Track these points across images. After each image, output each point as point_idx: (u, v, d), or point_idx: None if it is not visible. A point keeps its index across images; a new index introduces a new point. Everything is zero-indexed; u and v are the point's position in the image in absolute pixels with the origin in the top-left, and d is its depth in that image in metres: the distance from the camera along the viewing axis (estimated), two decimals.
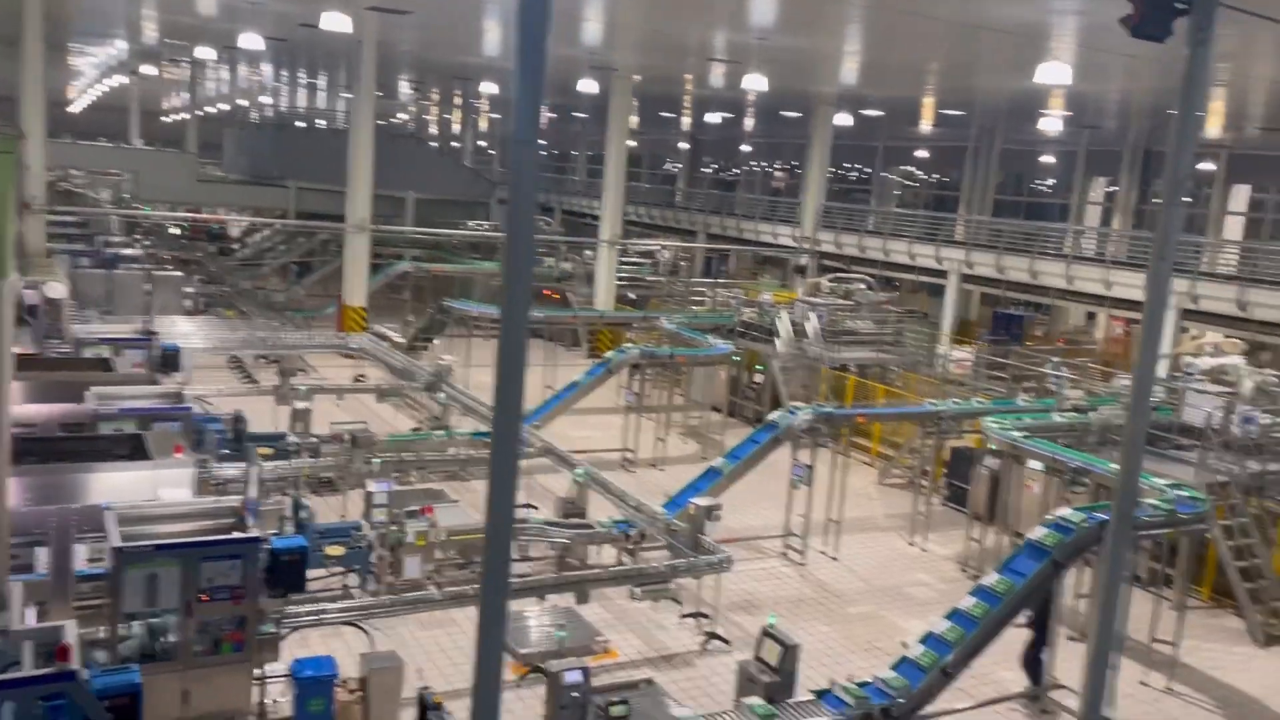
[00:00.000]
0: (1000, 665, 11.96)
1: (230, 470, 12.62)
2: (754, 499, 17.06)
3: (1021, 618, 11.17)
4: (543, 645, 11.74)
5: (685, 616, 12.94)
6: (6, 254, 7.14)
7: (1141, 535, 11.96)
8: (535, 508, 14.67)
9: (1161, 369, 19.51)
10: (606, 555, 12.90)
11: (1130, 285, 23.23)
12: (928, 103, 31.13)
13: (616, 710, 8.93)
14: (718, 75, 27.94)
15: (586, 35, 23.39)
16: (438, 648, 11.92)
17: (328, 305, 30.93)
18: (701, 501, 12.76)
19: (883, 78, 26.93)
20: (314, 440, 15.47)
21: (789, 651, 9.69)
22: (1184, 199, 7.50)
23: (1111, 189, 37.23)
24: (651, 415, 21.34)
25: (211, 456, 13.12)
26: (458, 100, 50.61)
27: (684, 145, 55.41)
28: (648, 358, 20.87)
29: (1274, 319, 21.25)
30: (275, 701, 8.98)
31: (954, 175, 42.52)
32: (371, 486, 11.96)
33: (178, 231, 39.65)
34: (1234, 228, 33.55)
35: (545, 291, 33.22)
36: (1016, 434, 15.17)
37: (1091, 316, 34.34)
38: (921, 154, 44.61)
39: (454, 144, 59.98)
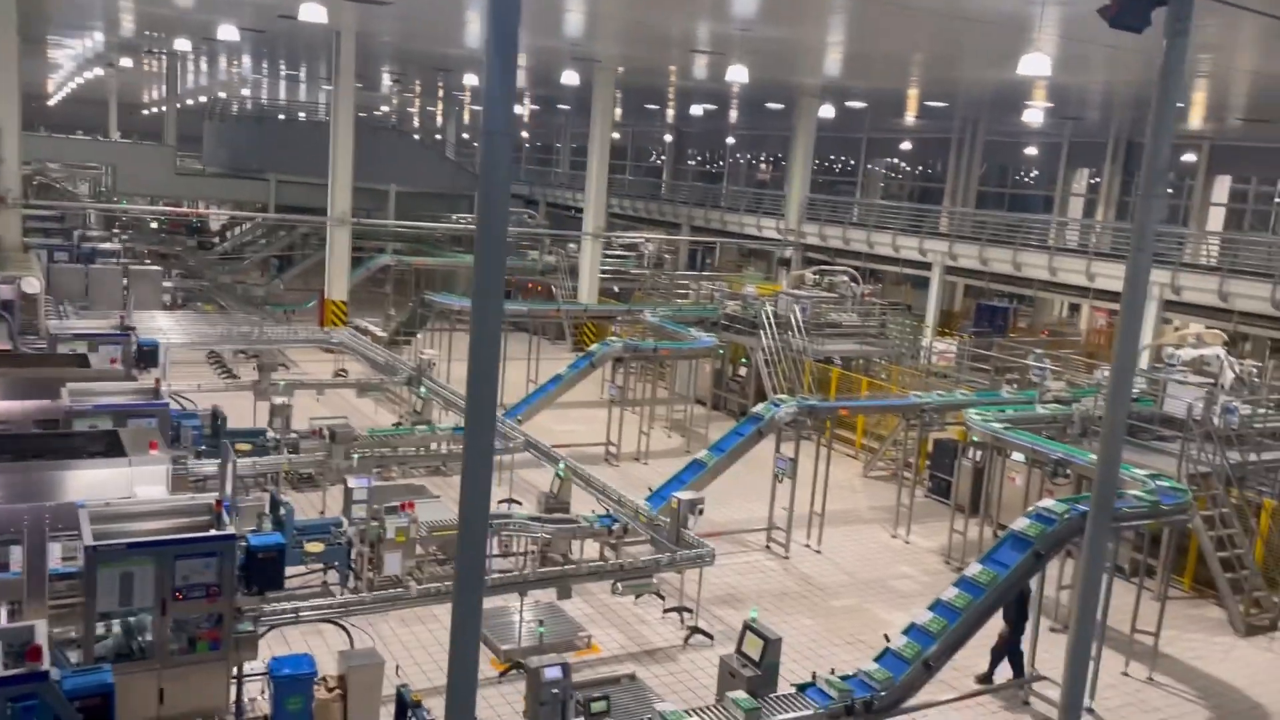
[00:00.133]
0: (984, 659, 11.97)
1: (208, 467, 12.52)
2: (738, 492, 17.04)
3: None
4: (524, 641, 11.70)
5: (668, 611, 12.91)
6: None
7: (1124, 526, 11.98)
8: (518, 503, 14.61)
9: (1144, 360, 19.61)
10: (589, 550, 12.85)
11: (1113, 276, 23.33)
12: (911, 94, 31.13)
13: (597, 706, 8.89)
14: (701, 67, 27.86)
15: (568, 26, 23.26)
16: (418, 644, 11.86)
17: (309, 300, 30.75)
18: (684, 496, 12.72)
19: (866, 69, 26.90)
20: (293, 436, 15.36)
21: (770, 645, 9.66)
22: (1165, 190, 7.48)
23: (1095, 180, 37.36)
24: (635, 409, 21.30)
25: (189, 453, 13.02)
26: (440, 92, 50.34)
27: (668, 138, 55.31)
28: (632, 351, 20.82)
29: (1255, 309, 21.39)
30: (253, 700, 8.91)
31: (938, 167, 42.59)
32: (351, 482, 11.90)
33: (156, 225, 39.32)
34: (1216, 219, 33.72)
35: (529, 285, 33.14)
36: (998, 426, 15.18)
37: (1075, 308, 34.50)
38: (905, 146, 44.65)
39: (436, 136, 59.72)
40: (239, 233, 41.18)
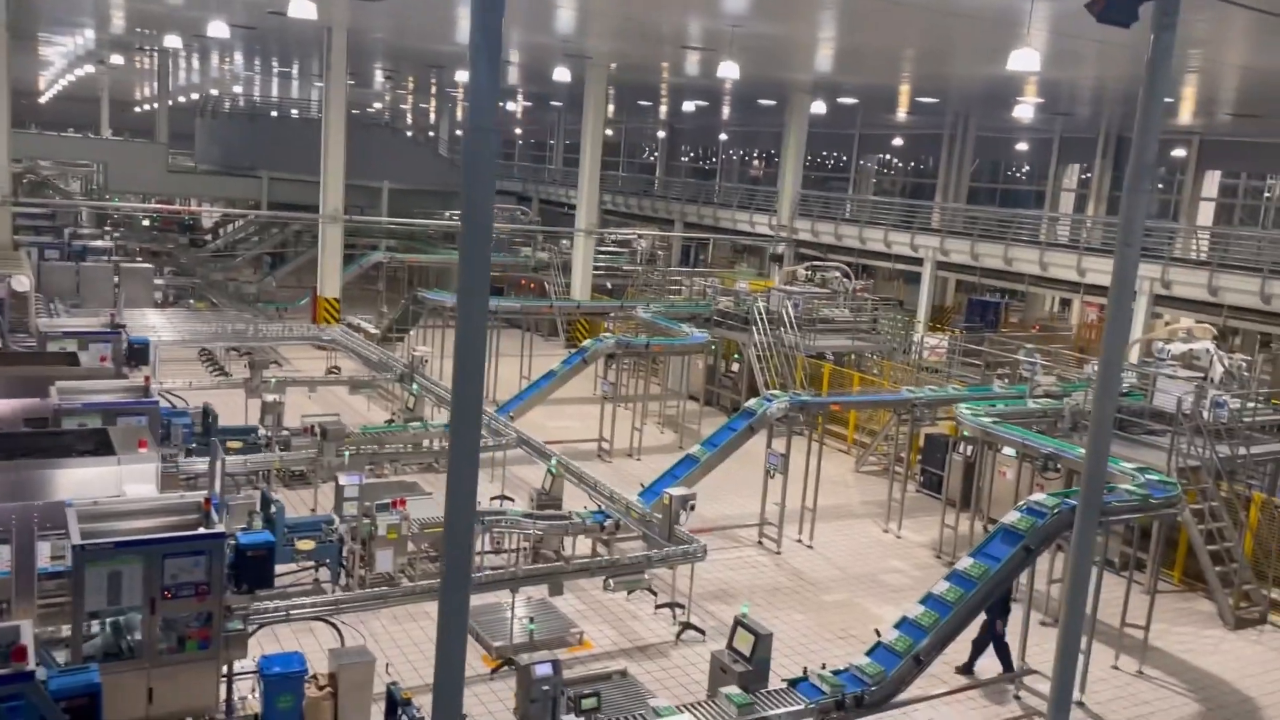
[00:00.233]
0: (968, 651, 12.00)
1: (198, 464, 12.50)
2: (730, 487, 17.05)
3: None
4: (516, 638, 11.70)
5: (660, 607, 12.91)
6: None
7: (1114, 520, 12.02)
8: (510, 499, 14.62)
9: (1134, 354, 19.66)
10: (581, 546, 12.86)
11: (1103, 271, 23.36)
12: (903, 90, 31.16)
13: (588, 703, 8.89)
14: (693, 63, 27.85)
15: (560, 23, 23.23)
16: (410, 641, 11.85)
17: (301, 297, 30.69)
18: (676, 492, 12.72)
19: (857, 65, 26.92)
20: (284, 433, 15.34)
21: (761, 640, 9.67)
22: (1153, 184, 7.51)
23: (1086, 176, 37.43)
24: (628, 405, 21.30)
25: (179, 451, 13.00)
26: (433, 89, 50.25)
27: (661, 134, 55.27)
28: (624, 347, 20.81)
29: (1245, 304, 21.46)
30: (243, 699, 8.89)
31: (929, 163, 42.63)
32: (343, 479, 11.88)
33: (148, 223, 39.20)
34: (1206, 214, 33.82)
35: (522, 281, 33.12)
36: (989, 420, 15.21)
37: (1066, 303, 34.58)
38: (897, 142, 44.70)
39: (429, 133, 59.60)
40: (231, 230, 41.05)
